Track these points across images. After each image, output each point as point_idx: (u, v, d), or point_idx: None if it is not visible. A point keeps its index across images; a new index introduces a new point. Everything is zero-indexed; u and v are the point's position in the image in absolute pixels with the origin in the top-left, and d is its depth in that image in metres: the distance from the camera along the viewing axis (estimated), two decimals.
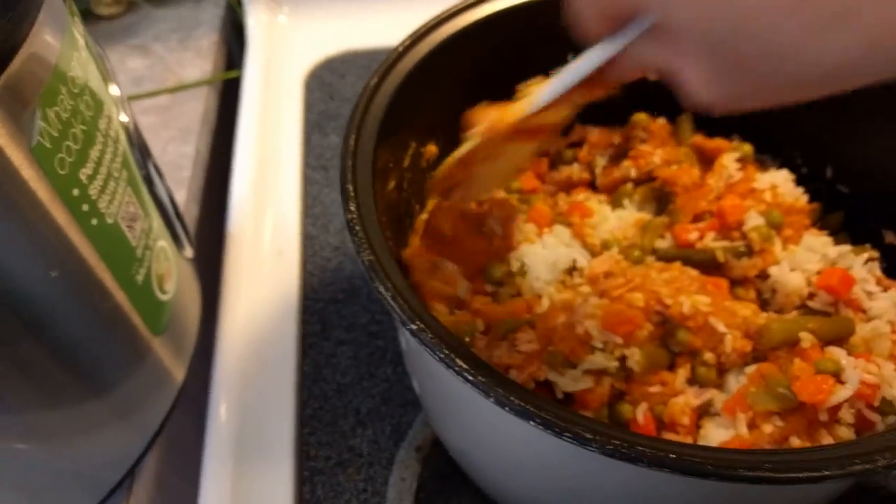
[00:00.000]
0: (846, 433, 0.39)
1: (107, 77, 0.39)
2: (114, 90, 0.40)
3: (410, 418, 0.51)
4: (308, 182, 0.67)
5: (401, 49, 0.45)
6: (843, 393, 0.38)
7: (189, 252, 0.49)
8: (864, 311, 0.44)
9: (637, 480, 0.34)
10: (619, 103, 0.54)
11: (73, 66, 0.33)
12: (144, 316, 0.40)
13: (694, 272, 0.45)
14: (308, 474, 0.49)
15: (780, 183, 0.50)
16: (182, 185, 0.63)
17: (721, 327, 0.41)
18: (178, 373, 0.46)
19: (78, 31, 0.36)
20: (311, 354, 0.55)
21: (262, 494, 0.47)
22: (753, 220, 0.47)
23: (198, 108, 0.70)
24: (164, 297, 0.42)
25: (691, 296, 0.42)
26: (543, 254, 0.47)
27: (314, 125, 0.72)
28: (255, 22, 0.81)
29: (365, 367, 0.54)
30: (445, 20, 0.47)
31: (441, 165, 0.44)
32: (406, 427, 0.51)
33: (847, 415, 0.38)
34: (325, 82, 0.76)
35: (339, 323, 0.57)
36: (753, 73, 0.29)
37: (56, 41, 0.32)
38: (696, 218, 0.49)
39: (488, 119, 0.41)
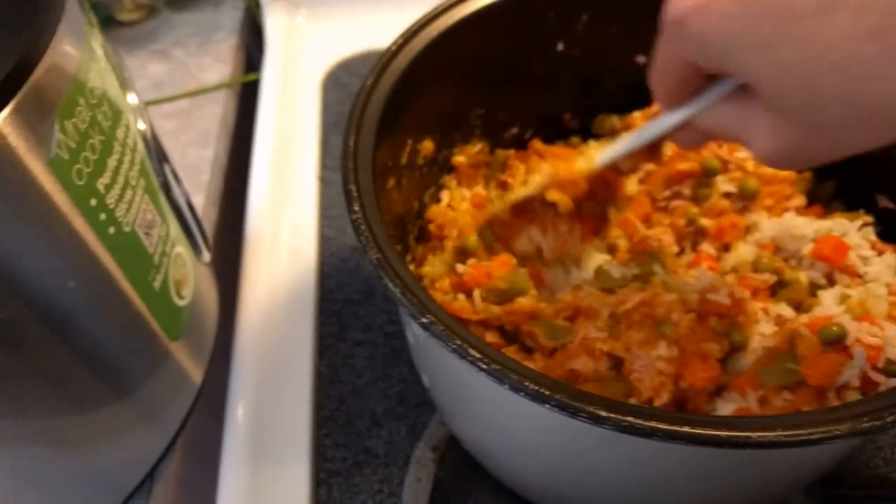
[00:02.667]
0: (853, 397, 0.39)
1: (125, 85, 0.40)
2: (132, 98, 0.40)
3: (426, 418, 0.52)
4: (325, 183, 0.67)
5: (394, 48, 0.46)
6: (851, 372, 0.38)
7: (206, 257, 0.49)
8: (860, 277, 0.44)
9: (650, 454, 0.34)
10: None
11: (91, 76, 0.34)
12: (162, 322, 0.40)
13: None
14: (324, 475, 0.49)
15: None
16: (201, 189, 0.64)
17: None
18: (197, 375, 0.47)
19: (96, 41, 0.36)
20: (328, 356, 0.55)
21: (278, 495, 0.48)
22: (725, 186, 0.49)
23: (217, 112, 0.71)
24: (181, 303, 0.43)
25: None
26: None
27: (332, 126, 0.72)
28: (274, 24, 0.82)
29: (381, 368, 0.55)
30: (438, 16, 0.48)
31: (492, 205, 0.46)
32: (422, 427, 0.51)
33: (853, 379, 0.39)
34: (342, 83, 0.77)
35: (356, 324, 0.57)
36: (828, 115, 0.27)
37: (75, 52, 0.33)
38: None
39: (552, 169, 0.44)
